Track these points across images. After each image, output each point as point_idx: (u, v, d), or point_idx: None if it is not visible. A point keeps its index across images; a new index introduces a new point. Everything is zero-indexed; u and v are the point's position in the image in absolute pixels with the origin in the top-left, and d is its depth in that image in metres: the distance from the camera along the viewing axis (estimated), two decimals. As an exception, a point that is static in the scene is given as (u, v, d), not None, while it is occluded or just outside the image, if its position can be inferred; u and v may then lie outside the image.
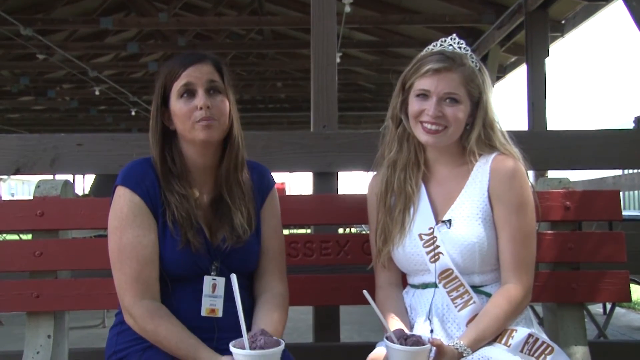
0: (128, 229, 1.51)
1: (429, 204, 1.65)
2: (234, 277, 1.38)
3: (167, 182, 1.54)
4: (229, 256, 1.56)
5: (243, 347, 1.32)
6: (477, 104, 1.64)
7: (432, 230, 1.62)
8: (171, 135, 1.57)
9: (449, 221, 1.61)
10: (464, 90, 1.61)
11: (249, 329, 1.45)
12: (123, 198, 1.53)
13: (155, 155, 1.56)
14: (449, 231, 1.60)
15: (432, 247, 1.61)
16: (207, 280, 1.53)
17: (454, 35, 1.69)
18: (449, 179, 1.66)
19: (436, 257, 1.60)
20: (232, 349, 1.32)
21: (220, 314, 1.53)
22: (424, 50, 1.69)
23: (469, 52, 1.66)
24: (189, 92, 1.52)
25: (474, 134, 1.63)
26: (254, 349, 1.30)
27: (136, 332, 1.50)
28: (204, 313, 1.52)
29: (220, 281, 1.54)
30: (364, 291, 1.44)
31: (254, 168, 1.67)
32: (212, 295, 1.54)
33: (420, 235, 1.63)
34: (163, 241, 1.52)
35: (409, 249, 1.64)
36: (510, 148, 1.65)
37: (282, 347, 1.33)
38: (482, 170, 1.63)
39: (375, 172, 1.78)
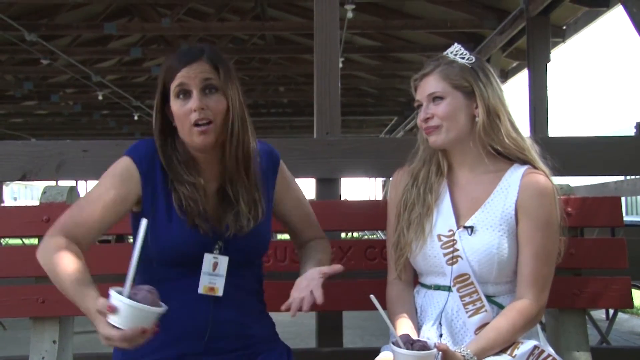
0: (106, 187, 1.54)
1: (452, 206, 1.66)
2: (144, 222, 1.33)
3: (174, 172, 1.54)
4: (235, 239, 1.55)
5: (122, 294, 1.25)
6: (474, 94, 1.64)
7: (452, 232, 1.63)
8: (174, 131, 1.57)
9: (472, 227, 1.62)
10: (444, 84, 1.64)
11: None
12: (122, 163, 1.56)
13: (158, 149, 1.56)
14: (470, 238, 1.61)
15: (450, 249, 1.62)
16: (208, 258, 1.52)
17: (454, 44, 1.72)
18: (475, 184, 1.67)
19: (454, 260, 1.61)
20: (111, 291, 1.25)
21: (220, 292, 1.52)
22: None
23: (460, 53, 1.68)
24: (184, 92, 1.51)
25: (480, 122, 1.64)
26: (132, 299, 1.24)
27: None
28: (201, 291, 1.50)
29: (223, 260, 1.53)
30: (371, 296, 1.44)
31: (260, 150, 1.65)
32: (213, 273, 1.52)
33: (439, 236, 1.64)
34: (169, 221, 1.52)
35: (427, 250, 1.65)
36: (522, 143, 1.65)
37: (161, 310, 1.27)
38: (512, 182, 1.63)
39: (402, 169, 1.79)
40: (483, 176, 1.67)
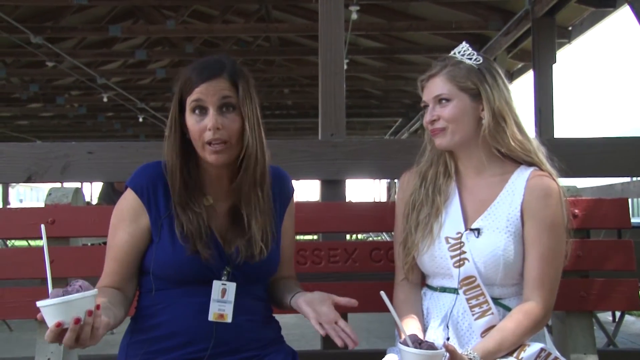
0: (120, 231, 1.55)
1: (460, 209, 1.66)
2: (42, 227, 1.36)
3: (180, 196, 1.52)
4: (244, 266, 1.54)
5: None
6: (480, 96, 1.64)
7: (460, 235, 1.63)
8: (187, 143, 1.53)
9: (478, 230, 1.62)
10: (451, 86, 1.63)
11: None
12: (125, 201, 1.56)
13: (173, 166, 1.52)
14: (476, 240, 1.61)
15: (457, 251, 1.61)
16: (216, 285, 1.52)
17: (463, 43, 1.71)
18: (482, 187, 1.67)
19: (461, 262, 1.60)
20: (39, 304, 1.26)
21: (229, 319, 1.51)
22: None
23: (468, 53, 1.67)
24: (200, 108, 1.48)
25: (485, 124, 1.63)
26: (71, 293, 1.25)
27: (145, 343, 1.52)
28: (211, 318, 1.50)
29: (231, 286, 1.52)
30: (382, 292, 1.43)
31: (274, 174, 1.64)
32: (221, 300, 1.52)
33: (446, 238, 1.63)
34: (172, 246, 1.51)
35: (435, 252, 1.64)
36: (528, 146, 1.65)
37: (78, 295, 1.25)
38: (518, 184, 1.63)
39: (410, 170, 1.79)
40: (490, 179, 1.67)
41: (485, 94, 1.63)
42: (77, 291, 1.26)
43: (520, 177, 1.64)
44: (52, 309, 1.24)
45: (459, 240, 1.62)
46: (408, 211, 1.71)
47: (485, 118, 1.62)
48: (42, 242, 1.37)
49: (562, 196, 1.63)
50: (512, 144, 1.63)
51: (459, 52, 1.69)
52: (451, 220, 1.65)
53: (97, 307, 1.28)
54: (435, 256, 1.64)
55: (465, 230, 1.63)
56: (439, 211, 1.66)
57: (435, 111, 1.65)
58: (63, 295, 1.25)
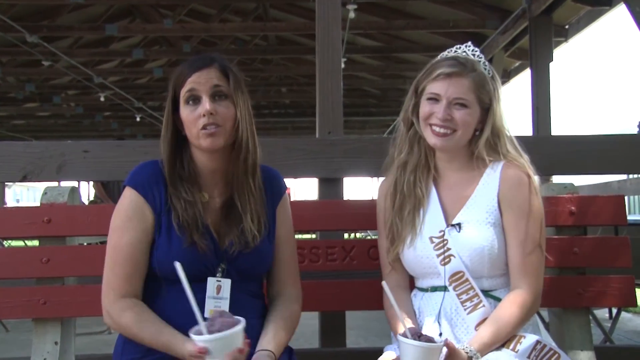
0: (129, 231, 1.54)
1: (440, 207, 1.67)
2: (177, 265, 1.38)
3: (174, 187, 1.55)
4: (238, 259, 1.55)
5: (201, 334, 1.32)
6: (488, 110, 1.66)
7: (442, 233, 1.64)
8: (182, 139, 1.58)
9: (459, 225, 1.63)
10: (473, 95, 1.63)
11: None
12: (128, 200, 1.56)
13: (165, 160, 1.57)
14: (458, 235, 1.62)
15: (442, 249, 1.62)
16: (211, 282, 1.53)
17: (469, 42, 1.73)
18: (459, 183, 1.68)
19: (447, 259, 1.61)
20: (191, 336, 1.33)
21: None
22: (439, 56, 1.72)
23: (482, 60, 1.70)
24: (194, 98, 1.52)
25: (482, 139, 1.66)
26: (212, 332, 1.31)
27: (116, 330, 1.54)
28: (207, 314, 1.51)
29: (226, 283, 1.54)
30: (383, 282, 1.44)
31: (265, 172, 1.66)
32: (217, 297, 1.53)
33: (431, 238, 1.64)
34: (169, 241, 1.52)
35: (419, 252, 1.65)
36: (516, 157, 1.67)
37: (241, 326, 1.33)
38: (492, 176, 1.65)
39: (384, 178, 1.80)
40: (466, 175, 1.69)
41: (492, 111, 1.65)
42: (222, 323, 1.33)
43: (494, 169, 1.66)
44: (221, 341, 1.31)
45: (443, 238, 1.63)
46: (390, 203, 1.71)
47: (485, 132, 1.65)
48: (182, 279, 1.38)
49: (535, 183, 1.65)
50: (507, 156, 1.66)
51: (476, 55, 1.68)
52: (432, 218, 1.66)
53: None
54: (422, 257, 1.65)
55: (447, 227, 1.64)
56: (420, 203, 1.67)
57: (449, 110, 1.62)
58: (229, 324, 1.33)
